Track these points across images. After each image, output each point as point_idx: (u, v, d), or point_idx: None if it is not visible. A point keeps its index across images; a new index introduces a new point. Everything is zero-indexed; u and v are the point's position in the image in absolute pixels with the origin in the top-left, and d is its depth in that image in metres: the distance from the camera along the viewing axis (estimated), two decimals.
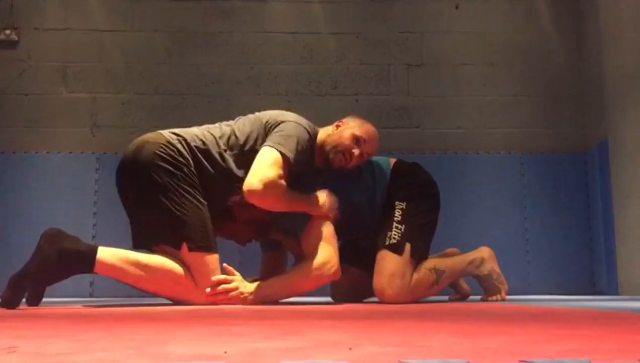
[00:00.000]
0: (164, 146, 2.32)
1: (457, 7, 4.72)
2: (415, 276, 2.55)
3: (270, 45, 4.63)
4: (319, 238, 2.43)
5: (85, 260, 2.14)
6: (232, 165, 2.38)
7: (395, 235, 2.55)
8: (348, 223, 2.60)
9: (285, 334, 1.03)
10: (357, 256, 2.72)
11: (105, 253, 2.17)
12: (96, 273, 2.19)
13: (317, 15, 4.68)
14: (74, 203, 4.29)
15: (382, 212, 2.66)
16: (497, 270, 2.75)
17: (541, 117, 4.59)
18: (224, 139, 2.43)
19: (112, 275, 2.21)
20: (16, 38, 4.52)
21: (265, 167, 2.28)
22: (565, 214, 4.42)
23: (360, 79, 4.61)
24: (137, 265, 2.20)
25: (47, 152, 4.41)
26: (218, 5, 4.66)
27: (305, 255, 2.44)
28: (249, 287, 2.36)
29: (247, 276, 2.50)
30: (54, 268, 2.08)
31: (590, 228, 4.39)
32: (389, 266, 2.51)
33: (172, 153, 2.32)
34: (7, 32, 4.51)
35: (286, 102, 4.50)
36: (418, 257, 2.58)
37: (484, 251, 2.77)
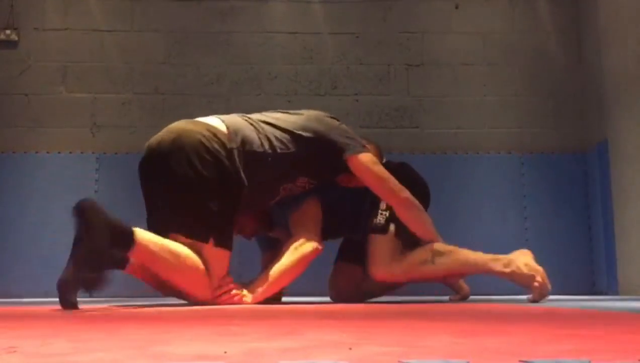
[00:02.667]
0: (207, 137, 2.27)
1: (457, 7, 4.72)
2: (408, 253, 2.55)
3: (270, 45, 4.63)
4: (302, 217, 2.47)
5: (125, 238, 2.05)
6: (271, 163, 2.37)
7: (380, 219, 2.60)
8: (337, 224, 2.63)
9: (285, 334, 1.03)
10: (354, 253, 2.73)
11: (144, 235, 2.10)
12: (128, 258, 2.14)
13: (317, 15, 4.68)
14: (74, 203, 4.29)
15: (370, 209, 2.68)
16: (522, 268, 2.62)
17: (541, 117, 4.59)
18: (263, 134, 2.40)
19: (145, 260, 2.14)
20: (16, 38, 4.52)
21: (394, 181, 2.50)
22: (565, 214, 4.42)
23: (360, 79, 4.61)
24: (170, 253, 2.14)
25: (47, 152, 4.40)
26: (218, 5, 4.66)
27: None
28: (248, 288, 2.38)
29: (246, 276, 2.51)
30: (100, 242, 1.95)
31: (590, 228, 4.39)
32: (376, 247, 2.55)
33: (215, 145, 2.27)
34: (7, 32, 4.51)
35: (286, 102, 4.50)
36: (404, 237, 2.57)
37: (516, 254, 2.67)
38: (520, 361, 0.66)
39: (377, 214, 2.61)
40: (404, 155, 3.82)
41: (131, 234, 2.06)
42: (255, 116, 2.51)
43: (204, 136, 2.28)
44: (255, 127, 2.41)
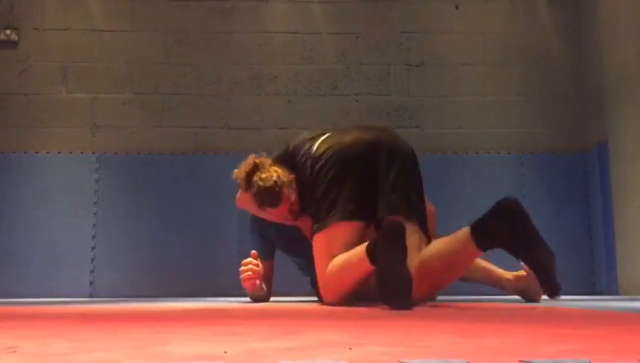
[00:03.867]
0: None
1: (457, 7, 4.72)
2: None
3: (270, 45, 4.63)
4: None
5: None
6: None
7: None
8: None
9: (285, 334, 1.03)
10: None
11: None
12: None
13: (317, 15, 4.68)
14: (74, 203, 4.29)
15: None
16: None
17: (541, 117, 4.59)
18: None
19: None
20: (16, 38, 4.52)
21: None
22: (565, 214, 4.42)
23: (360, 79, 4.61)
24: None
25: (47, 152, 4.40)
26: (218, 5, 4.66)
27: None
28: None
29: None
30: None
31: (590, 228, 4.39)
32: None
33: None
34: (7, 32, 4.51)
35: (286, 102, 4.50)
36: None
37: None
38: (520, 361, 0.66)
39: None
40: None
41: None
42: None
43: None
44: None
